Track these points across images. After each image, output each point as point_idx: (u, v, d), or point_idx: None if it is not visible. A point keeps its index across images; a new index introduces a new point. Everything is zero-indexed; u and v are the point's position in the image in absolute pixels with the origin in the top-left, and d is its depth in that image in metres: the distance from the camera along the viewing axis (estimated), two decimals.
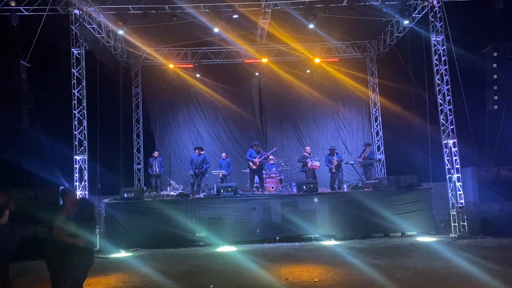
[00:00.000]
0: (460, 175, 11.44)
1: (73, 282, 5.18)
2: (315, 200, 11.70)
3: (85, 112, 11.62)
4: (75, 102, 11.56)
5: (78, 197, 5.56)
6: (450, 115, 11.67)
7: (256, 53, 15.71)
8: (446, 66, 11.73)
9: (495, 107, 11.12)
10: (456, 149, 11.54)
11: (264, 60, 15.68)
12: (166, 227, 11.16)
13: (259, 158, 13.15)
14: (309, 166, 13.49)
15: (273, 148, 14.86)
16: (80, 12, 11.69)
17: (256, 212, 11.52)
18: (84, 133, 11.53)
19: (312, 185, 12.03)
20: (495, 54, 11.01)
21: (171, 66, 15.93)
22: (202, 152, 13.81)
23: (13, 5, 10.91)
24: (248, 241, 11.25)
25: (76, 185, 11.23)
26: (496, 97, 11.06)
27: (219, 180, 13.94)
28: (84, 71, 11.71)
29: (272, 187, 13.14)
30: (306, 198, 11.75)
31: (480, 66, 11.51)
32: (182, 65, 15.97)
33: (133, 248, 10.98)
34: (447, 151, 11.64)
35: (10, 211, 6.79)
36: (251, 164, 13.17)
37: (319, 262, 8.57)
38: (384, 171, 16.03)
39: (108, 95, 14.04)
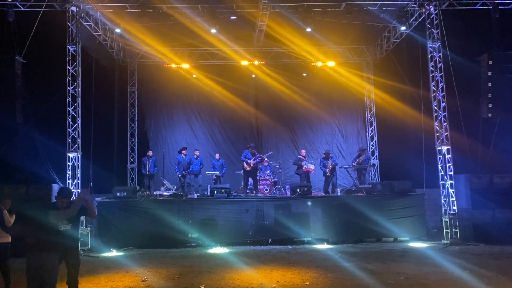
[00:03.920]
0: (453, 182, 11.50)
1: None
2: (309, 203, 11.70)
3: (79, 110, 11.56)
4: (70, 99, 11.49)
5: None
6: (444, 122, 11.73)
7: (253, 55, 15.71)
8: (442, 73, 11.81)
9: (490, 115, 11.17)
10: (450, 155, 11.59)
11: (261, 62, 15.68)
12: (159, 227, 11.11)
13: (253, 160, 13.14)
14: (303, 169, 13.51)
15: (269, 151, 14.82)
16: (77, 9, 11.63)
17: (249, 214, 11.51)
18: (78, 131, 11.47)
19: (306, 189, 12.03)
20: (490, 62, 11.06)
21: (167, 65, 15.89)
22: (192, 152, 14.10)
23: (9, 0, 10.84)
24: (240, 243, 11.22)
25: (68, 182, 11.16)
26: (490, 105, 11.10)
27: (213, 181, 13.91)
28: (79, 69, 11.65)
29: (266, 190, 13.12)
30: (299, 201, 11.74)
31: (475, 73, 11.57)
32: (178, 65, 15.91)
33: (125, 248, 10.93)
34: (441, 158, 11.69)
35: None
36: (245, 165, 13.15)
37: (311, 266, 8.56)
38: (378, 176, 16.06)
39: (103, 93, 13.98)
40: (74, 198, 5.74)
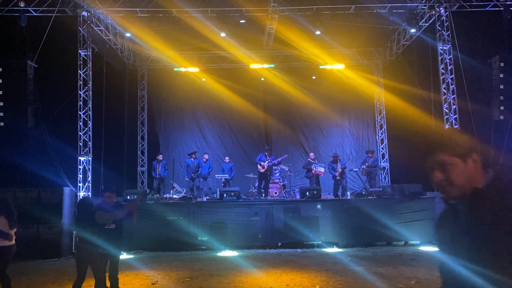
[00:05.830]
0: None
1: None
2: (318, 206, 11.66)
3: (90, 114, 11.68)
4: (81, 103, 11.62)
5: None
6: (455, 125, 11.63)
7: (262, 58, 15.71)
8: (453, 75, 11.72)
9: (501, 117, 11.06)
10: None
11: (270, 65, 15.68)
12: (168, 230, 11.15)
13: (268, 163, 13.15)
14: (313, 172, 13.47)
15: (284, 155, 14.74)
16: (88, 14, 11.77)
17: (259, 217, 11.49)
18: (89, 134, 11.57)
19: (315, 192, 11.99)
20: (501, 64, 10.98)
21: (177, 69, 15.97)
22: (201, 156, 14.13)
23: (22, 5, 11.01)
24: (250, 246, 11.22)
25: (79, 186, 11.26)
26: (502, 108, 11.00)
27: (222, 184, 13.94)
28: (90, 73, 11.78)
29: (275, 193, 13.10)
30: (309, 205, 11.71)
31: (486, 76, 11.46)
32: (188, 69, 15.97)
33: (135, 250, 10.97)
34: None
35: None
36: (259, 167, 13.13)
37: (320, 269, 8.52)
38: (388, 179, 15.96)
39: (114, 97, 14.10)
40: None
